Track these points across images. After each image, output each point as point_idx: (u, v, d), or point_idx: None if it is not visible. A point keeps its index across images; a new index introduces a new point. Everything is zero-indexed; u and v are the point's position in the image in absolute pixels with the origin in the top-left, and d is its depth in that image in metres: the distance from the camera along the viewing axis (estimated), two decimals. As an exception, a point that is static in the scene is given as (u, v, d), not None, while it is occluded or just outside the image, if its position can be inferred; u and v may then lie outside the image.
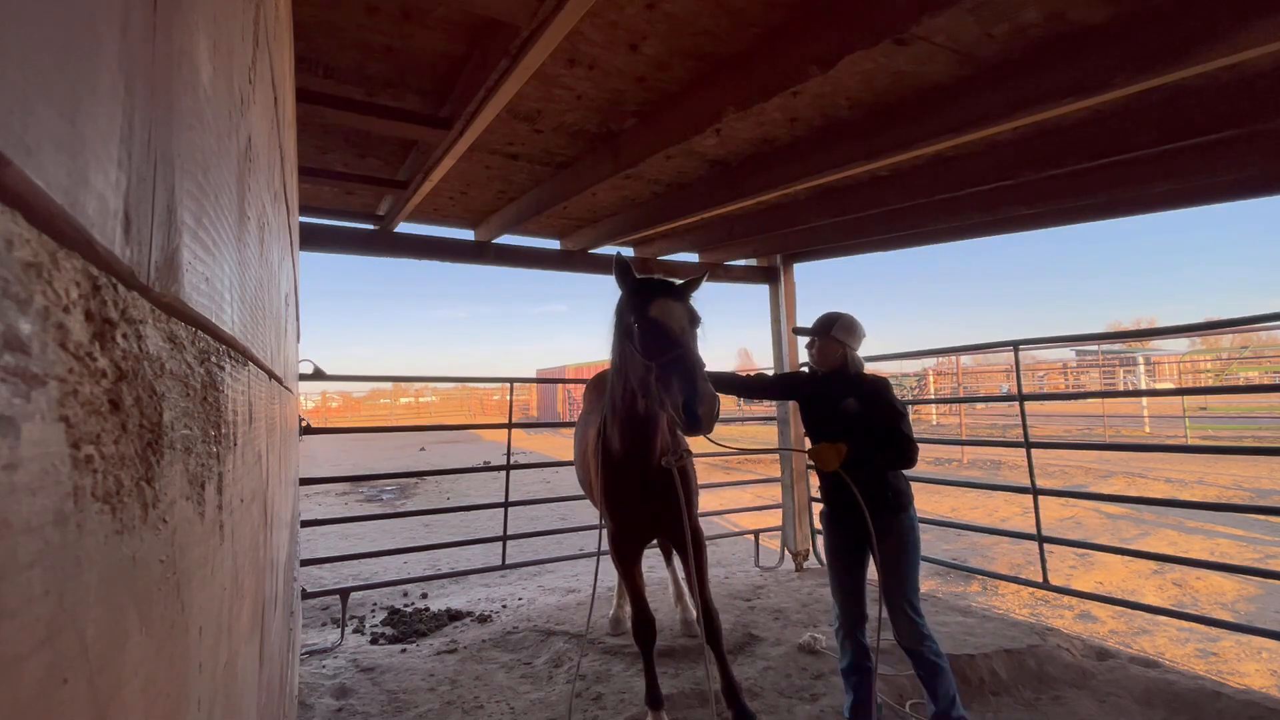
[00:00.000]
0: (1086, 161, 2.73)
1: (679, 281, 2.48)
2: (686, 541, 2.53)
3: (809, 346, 2.76)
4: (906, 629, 2.48)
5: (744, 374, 3.13)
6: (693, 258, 5.22)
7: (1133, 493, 8.22)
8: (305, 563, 3.96)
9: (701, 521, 2.95)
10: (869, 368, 2.83)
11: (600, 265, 4.78)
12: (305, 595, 3.79)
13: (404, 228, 4.03)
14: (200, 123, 0.47)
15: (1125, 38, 1.88)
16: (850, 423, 2.54)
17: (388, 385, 28.29)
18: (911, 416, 15.71)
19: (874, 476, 2.51)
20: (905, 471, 2.59)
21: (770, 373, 3.00)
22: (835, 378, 2.65)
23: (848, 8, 1.82)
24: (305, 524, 3.82)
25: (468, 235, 4.38)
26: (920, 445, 2.61)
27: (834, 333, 2.63)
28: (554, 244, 4.69)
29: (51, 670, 0.23)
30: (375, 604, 4.56)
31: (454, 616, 4.17)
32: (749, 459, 11.68)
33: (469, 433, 22.13)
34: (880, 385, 2.61)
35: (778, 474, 5.34)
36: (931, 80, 2.31)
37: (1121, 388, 19.59)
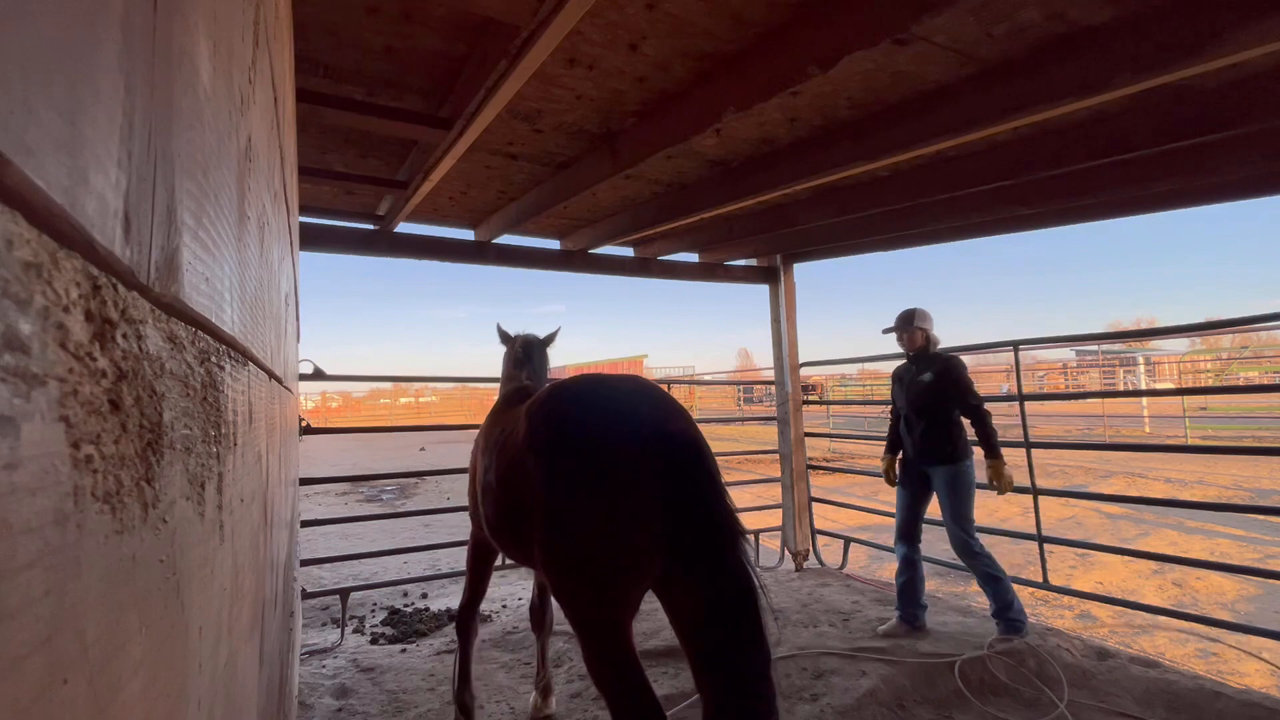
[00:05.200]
0: (1086, 161, 2.73)
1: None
2: None
3: (899, 340, 3.58)
4: (957, 545, 3.34)
5: (891, 417, 3.80)
6: (693, 258, 5.22)
7: (1133, 493, 8.22)
8: (305, 563, 3.95)
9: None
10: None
11: (600, 265, 4.78)
12: (305, 595, 3.79)
13: (404, 228, 4.03)
14: (200, 123, 0.47)
15: (1125, 38, 1.88)
16: (927, 390, 3.37)
17: (388, 385, 28.28)
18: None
19: (938, 432, 3.34)
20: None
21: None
22: (919, 358, 3.49)
23: (848, 8, 1.82)
24: (305, 524, 3.82)
25: (468, 235, 4.37)
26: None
27: (915, 323, 3.48)
28: (554, 244, 4.69)
29: (52, 670, 0.23)
30: (375, 604, 4.56)
31: (454, 617, 4.16)
32: (749, 459, 11.68)
33: (469, 433, 22.07)
34: (951, 364, 3.38)
35: (778, 474, 5.34)
36: (932, 80, 2.31)
37: (1121, 388, 19.58)
